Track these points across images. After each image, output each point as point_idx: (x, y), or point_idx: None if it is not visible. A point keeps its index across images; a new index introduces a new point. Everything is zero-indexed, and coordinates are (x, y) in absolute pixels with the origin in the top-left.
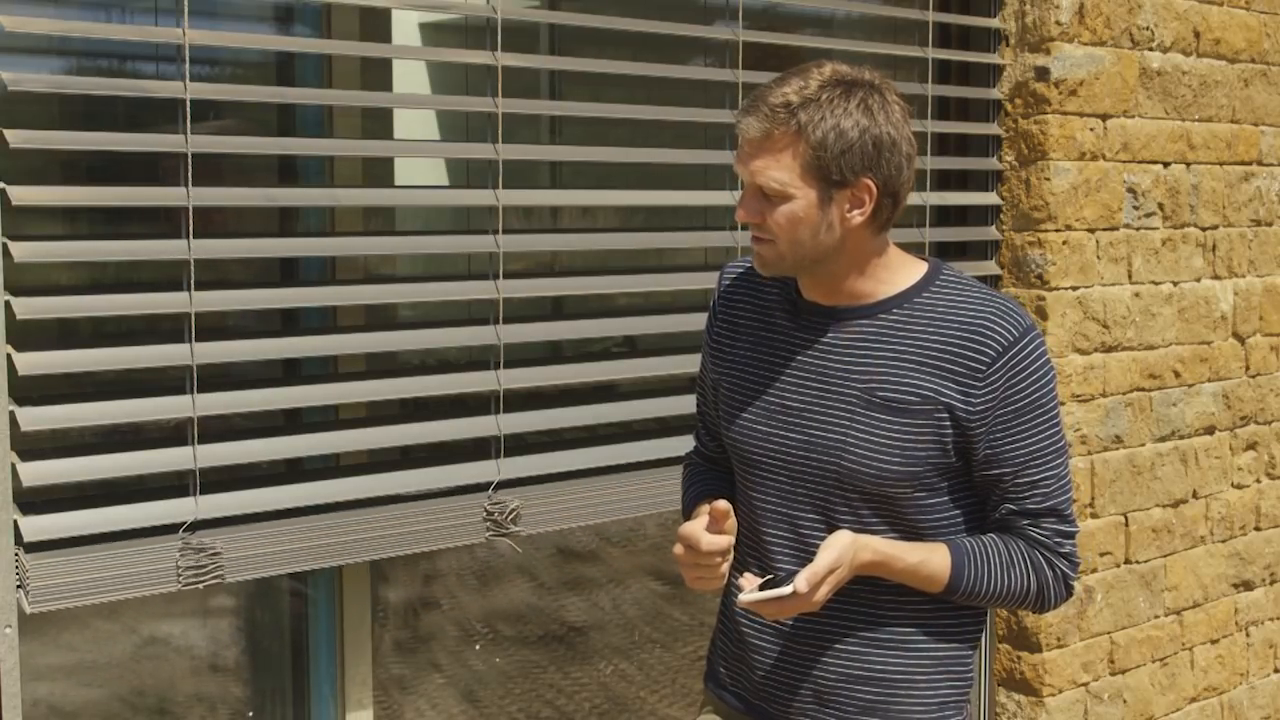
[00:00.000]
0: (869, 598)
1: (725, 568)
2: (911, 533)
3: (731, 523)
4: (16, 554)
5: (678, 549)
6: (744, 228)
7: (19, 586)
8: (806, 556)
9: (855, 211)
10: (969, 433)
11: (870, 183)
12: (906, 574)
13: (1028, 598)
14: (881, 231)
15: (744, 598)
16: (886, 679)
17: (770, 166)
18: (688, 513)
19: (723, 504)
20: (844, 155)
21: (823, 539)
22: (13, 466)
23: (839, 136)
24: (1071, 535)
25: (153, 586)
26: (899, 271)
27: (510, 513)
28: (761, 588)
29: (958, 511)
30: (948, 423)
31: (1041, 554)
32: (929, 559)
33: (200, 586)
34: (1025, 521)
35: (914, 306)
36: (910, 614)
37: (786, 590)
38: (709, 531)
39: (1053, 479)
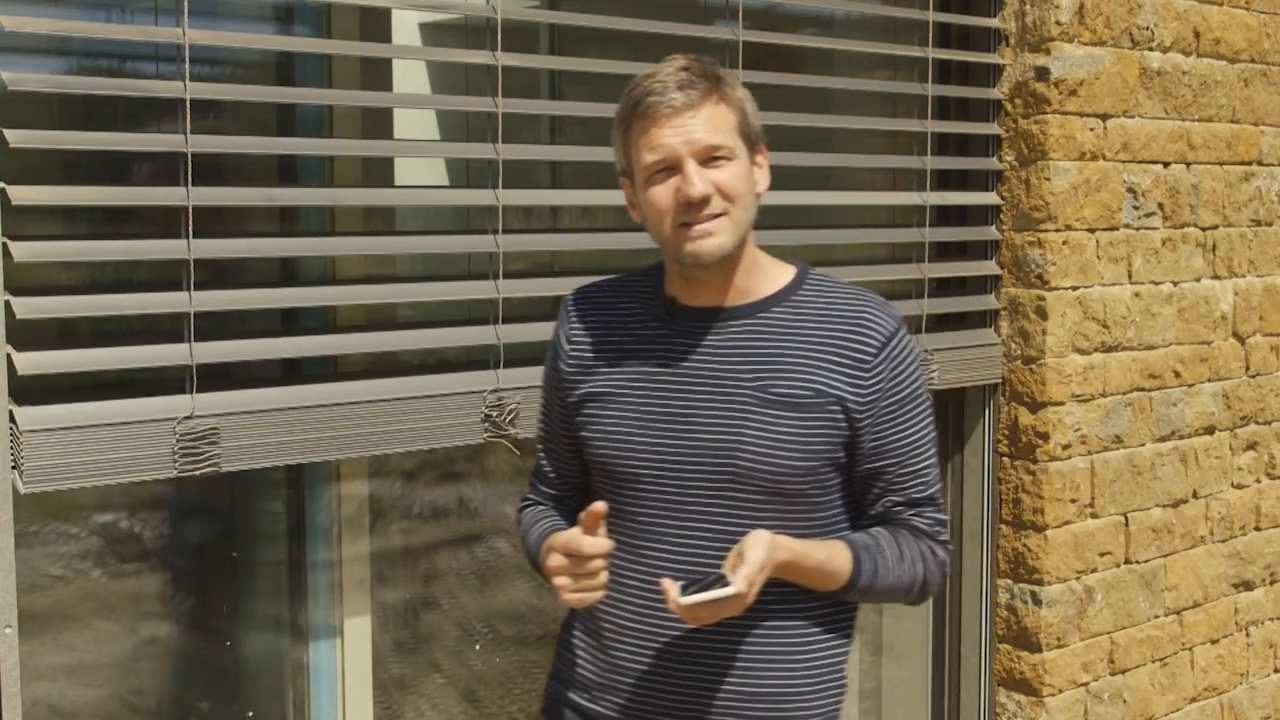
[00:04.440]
0: (754, 605)
1: (605, 577)
2: (803, 533)
3: (603, 531)
4: (12, 429)
5: (554, 560)
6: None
7: (14, 468)
8: (695, 567)
9: (761, 177)
10: (857, 424)
11: (765, 149)
12: (812, 572)
13: (912, 590)
14: None
15: (685, 599)
16: (774, 694)
17: (717, 126)
18: (537, 550)
19: (600, 505)
20: (754, 118)
21: (714, 547)
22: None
23: (749, 100)
24: (945, 524)
25: (149, 471)
26: (773, 270)
27: (509, 413)
28: (685, 591)
29: (841, 510)
30: (840, 415)
31: (925, 543)
32: (833, 556)
33: (197, 473)
34: (910, 512)
35: (793, 304)
36: (794, 619)
37: (729, 591)
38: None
39: (930, 468)
